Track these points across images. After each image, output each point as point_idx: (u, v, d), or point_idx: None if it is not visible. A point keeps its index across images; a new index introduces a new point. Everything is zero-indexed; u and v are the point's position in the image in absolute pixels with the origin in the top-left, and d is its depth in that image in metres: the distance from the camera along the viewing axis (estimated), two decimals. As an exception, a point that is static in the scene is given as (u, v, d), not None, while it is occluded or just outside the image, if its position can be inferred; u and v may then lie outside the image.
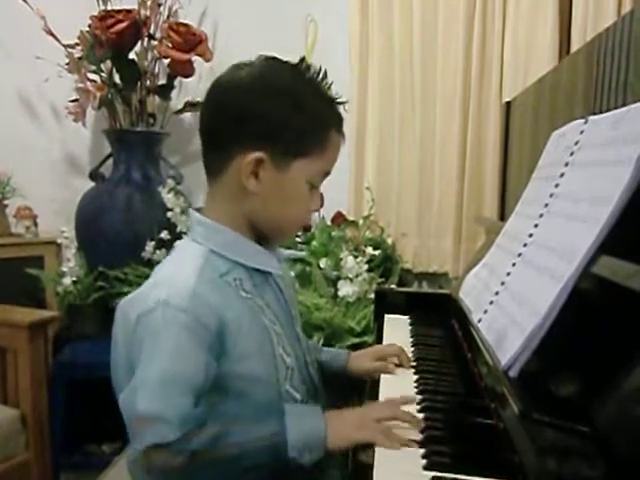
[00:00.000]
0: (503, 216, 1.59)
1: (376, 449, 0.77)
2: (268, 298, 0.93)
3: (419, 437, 0.79)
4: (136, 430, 0.75)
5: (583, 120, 0.92)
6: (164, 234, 2.21)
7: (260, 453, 0.76)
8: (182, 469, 0.73)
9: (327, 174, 0.93)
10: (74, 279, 2.28)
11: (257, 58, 0.92)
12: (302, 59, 0.91)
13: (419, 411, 0.88)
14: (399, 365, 1.09)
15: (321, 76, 0.91)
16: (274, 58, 0.92)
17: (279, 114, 0.86)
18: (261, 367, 0.88)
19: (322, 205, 0.97)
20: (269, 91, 0.87)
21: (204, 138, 0.92)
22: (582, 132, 0.91)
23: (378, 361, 1.09)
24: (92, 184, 2.49)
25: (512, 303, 0.86)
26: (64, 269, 2.30)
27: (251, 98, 0.87)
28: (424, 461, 0.73)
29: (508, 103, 1.63)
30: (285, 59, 0.92)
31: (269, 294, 0.94)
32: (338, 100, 0.92)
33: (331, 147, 0.90)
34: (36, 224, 2.43)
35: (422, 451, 0.75)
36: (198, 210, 0.95)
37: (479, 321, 0.96)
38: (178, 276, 0.84)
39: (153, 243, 2.22)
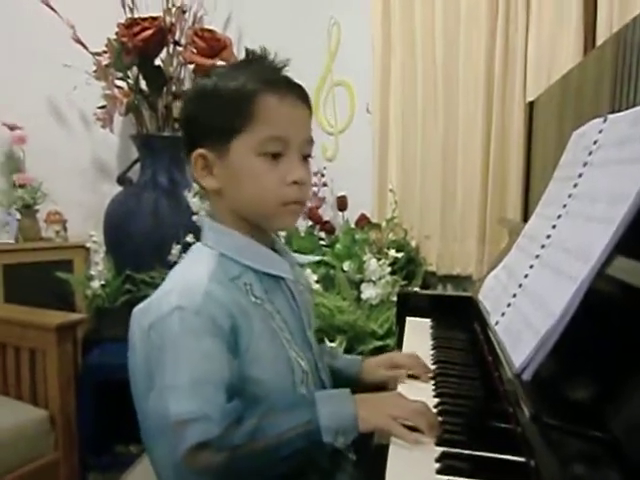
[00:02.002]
0: (526, 217, 1.56)
1: (389, 452, 0.77)
2: (279, 303, 0.92)
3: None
4: (176, 434, 0.74)
5: (602, 119, 0.91)
6: (190, 237, 2.23)
7: (296, 441, 0.76)
8: (225, 465, 0.73)
9: (283, 140, 0.87)
10: (102, 282, 2.33)
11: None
12: (246, 50, 0.93)
13: (436, 414, 0.87)
14: (413, 376, 1.04)
15: (258, 55, 0.91)
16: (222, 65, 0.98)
17: (201, 110, 0.89)
18: (276, 371, 0.88)
19: (302, 178, 0.88)
20: (194, 94, 0.93)
21: None
22: (601, 131, 0.89)
23: (391, 369, 1.06)
24: (120, 189, 2.54)
25: (528, 305, 0.85)
26: (93, 273, 2.35)
27: (185, 107, 0.94)
28: (437, 465, 0.73)
29: (531, 103, 1.60)
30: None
31: (280, 299, 0.93)
32: (276, 66, 0.90)
33: (264, 112, 0.85)
34: (65, 228, 2.48)
35: (436, 455, 0.75)
36: (210, 216, 0.96)
37: (496, 323, 0.95)
38: (190, 280, 0.85)
39: (179, 246, 2.24)
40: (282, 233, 2.02)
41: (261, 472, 0.77)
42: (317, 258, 2.04)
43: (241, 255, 0.89)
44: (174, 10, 2.44)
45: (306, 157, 0.91)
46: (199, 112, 0.89)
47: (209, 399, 0.76)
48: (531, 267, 0.92)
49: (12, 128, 2.33)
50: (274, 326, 0.89)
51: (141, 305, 0.88)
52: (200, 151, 0.87)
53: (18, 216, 2.33)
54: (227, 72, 0.91)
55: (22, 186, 2.35)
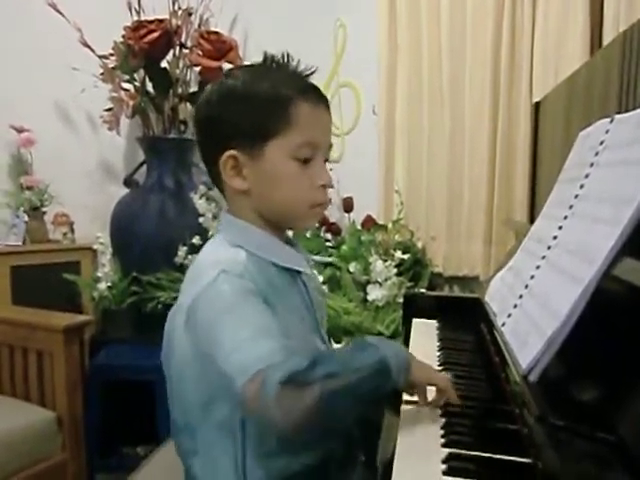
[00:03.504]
0: (533, 219, 1.56)
1: (396, 453, 0.77)
2: (295, 299, 0.94)
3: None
4: (262, 380, 0.70)
5: (609, 119, 0.90)
6: (196, 239, 2.24)
7: (373, 379, 0.77)
8: (318, 400, 0.69)
9: (315, 145, 0.89)
10: (109, 284, 2.33)
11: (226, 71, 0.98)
12: (265, 55, 0.92)
13: (442, 415, 0.87)
14: None
15: (283, 60, 0.91)
16: (240, 66, 0.97)
17: (233, 111, 0.88)
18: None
19: (330, 181, 0.92)
20: (222, 96, 0.90)
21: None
22: (607, 131, 0.89)
23: None
24: (126, 191, 2.55)
25: (535, 306, 0.85)
26: (99, 274, 2.35)
27: (210, 108, 0.91)
28: (444, 466, 0.73)
29: (537, 103, 1.60)
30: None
31: (296, 295, 0.94)
32: (305, 73, 0.92)
33: (301, 118, 0.87)
34: (73, 230, 2.49)
35: (442, 456, 0.75)
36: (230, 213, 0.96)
37: (503, 325, 0.95)
38: (226, 255, 0.86)
39: (185, 248, 2.25)
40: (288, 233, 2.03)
41: (344, 415, 0.77)
42: (328, 259, 2.04)
43: (261, 250, 0.90)
44: (180, 12, 2.45)
45: (326, 160, 0.94)
46: (230, 114, 0.88)
47: (281, 342, 0.76)
48: (537, 268, 0.92)
49: (20, 131, 2.34)
50: (299, 315, 0.92)
51: (175, 307, 0.89)
52: (231, 152, 0.88)
53: (26, 218, 2.34)
54: (255, 75, 0.90)
55: (29, 188, 2.36)
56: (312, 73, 0.93)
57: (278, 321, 0.80)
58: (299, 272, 0.95)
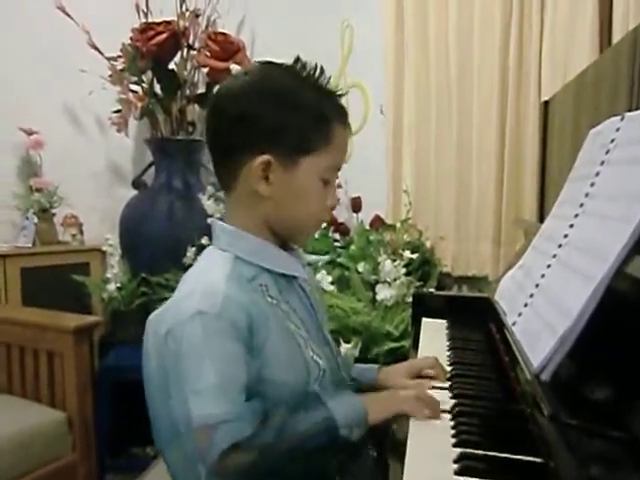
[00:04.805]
0: (542, 218, 1.55)
1: (407, 453, 0.76)
2: (293, 303, 0.93)
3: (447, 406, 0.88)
4: (206, 438, 0.76)
5: (620, 117, 0.90)
6: (204, 240, 2.24)
7: (318, 437, 0.80)
8: (255, 464, 0.76)
9: (338, 169, 0.92)
10: (118, 285, 2.34)
11: (253, 64, 0.95)
12: (297, 59, 0.90)
13: (453, 415, 0.87)
14: (433, 378, 1.03)
15: (318, 72, 0.89)
16: (269, 62, 0.92)
17: (277, 115, 0.85)
18: (291, 372, 0.88)
19: (338, 202, 0.96)
20: (265, 94, 0.87)
21: (211, 150, 0.92)
22: (618, 129, 0.88)
23: (412, 377, 1.04)
24: (135, 192, 2.56)
25: (546, 305, 0.84)
26: (108, 275, 2.37)
27: (249, 104, 0.86)
28: (455, 466, 0.72)
29: (546, 102, 1.59)
30: (280, 61, 0.92)
31: (294, 299, 0.94)
32: (338, 93, 0.92)
33: (336, 141, 0.88)
34: (82, 232, 2.50)
35: (454, 455, 0.74)
36: (220, 219, 0.96)
37: (514, 324, 0.94)
38: (207, 284, 0.85)
39: (194, 249, 2.25)
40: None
41: (285, 469, 0.80)
42: (326, 258, 2.04)
43: (256, 257, 0.89)
44: (188, 14, 2.46)
45: None
46: (273, 115, 0.85)
47: (236, 401, 0.78)
48: (548, 267, 0.91)
49: (29, 133, 2.35)
50: (291, 327, 0.89)
51: (157, 311, 0.90)
52: (267, 157, 0.85)
53: (35, 220, 2.36)
54: (297, 82, 0.88)
55: (39, 190, 2.37)
56: (343, 95, 0.93)
57: (256, 355, 0.83)
58: (295, 277, 0.95)
